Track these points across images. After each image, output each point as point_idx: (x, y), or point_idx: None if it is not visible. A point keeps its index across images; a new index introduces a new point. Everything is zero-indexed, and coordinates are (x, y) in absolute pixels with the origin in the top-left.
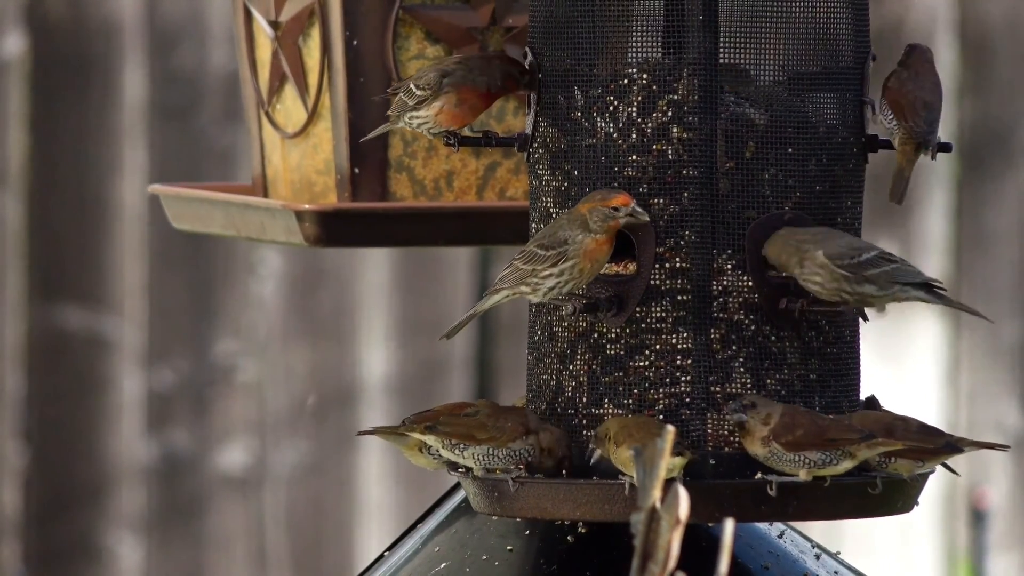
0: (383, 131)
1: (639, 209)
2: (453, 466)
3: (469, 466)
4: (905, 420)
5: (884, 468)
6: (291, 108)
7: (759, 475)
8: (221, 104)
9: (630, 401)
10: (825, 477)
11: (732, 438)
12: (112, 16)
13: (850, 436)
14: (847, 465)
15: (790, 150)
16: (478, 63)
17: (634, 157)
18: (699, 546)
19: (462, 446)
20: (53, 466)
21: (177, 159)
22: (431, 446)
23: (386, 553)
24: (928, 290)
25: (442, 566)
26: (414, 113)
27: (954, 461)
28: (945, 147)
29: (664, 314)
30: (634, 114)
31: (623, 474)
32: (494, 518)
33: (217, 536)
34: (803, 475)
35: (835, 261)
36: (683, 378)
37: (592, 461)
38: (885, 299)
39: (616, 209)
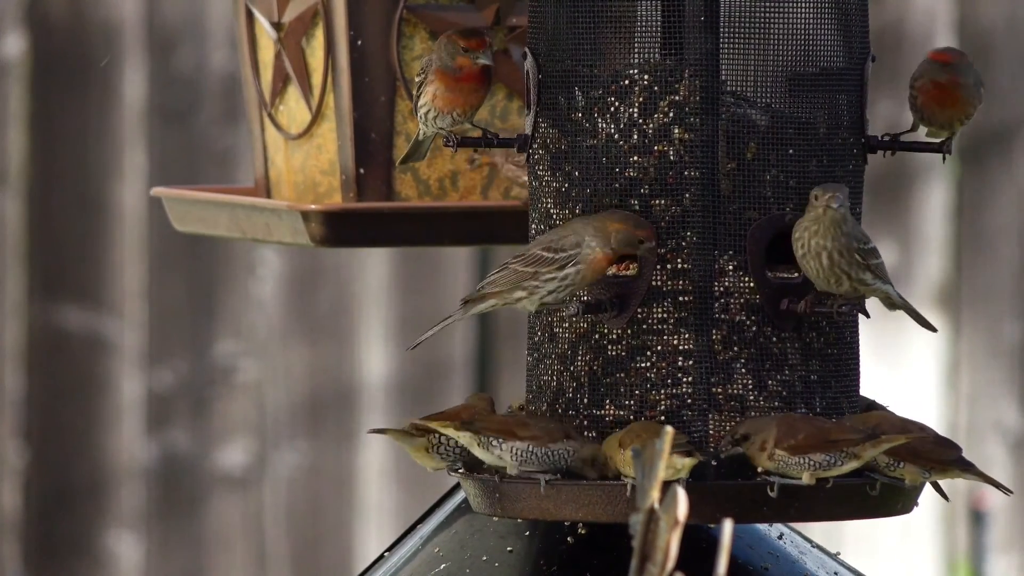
0: (424, 147)
1: (655, 246)
2: (454, 467)
3: (502, 465)
4: (923, 428)
5: (891, 471)
6: (294, 109)
7: (760, 476)
8: (221, 105)
9: (631, 402)
10: (828, 478)
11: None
12: (112, 17)
13: (852, 436)
14: (852, 465)
15: (791, 151)
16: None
17: (635, 158)
18: (699, 547)
19: (499, 440)
20: (53, 466)
21: (177, 160)
22: (439, 446)
23: (386, 554)
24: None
25: (442, 567)
26: (419, 104)
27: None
28: (942, 148)
29: (665, 315)
30: (635, 115)
31: (625, 475)
32: (494, 519)
33: (217, 536)
34: (806, 478)
35: (855, 242)
36: (684, 379)
37: None
38: (872, 291)
39: (642, 242)
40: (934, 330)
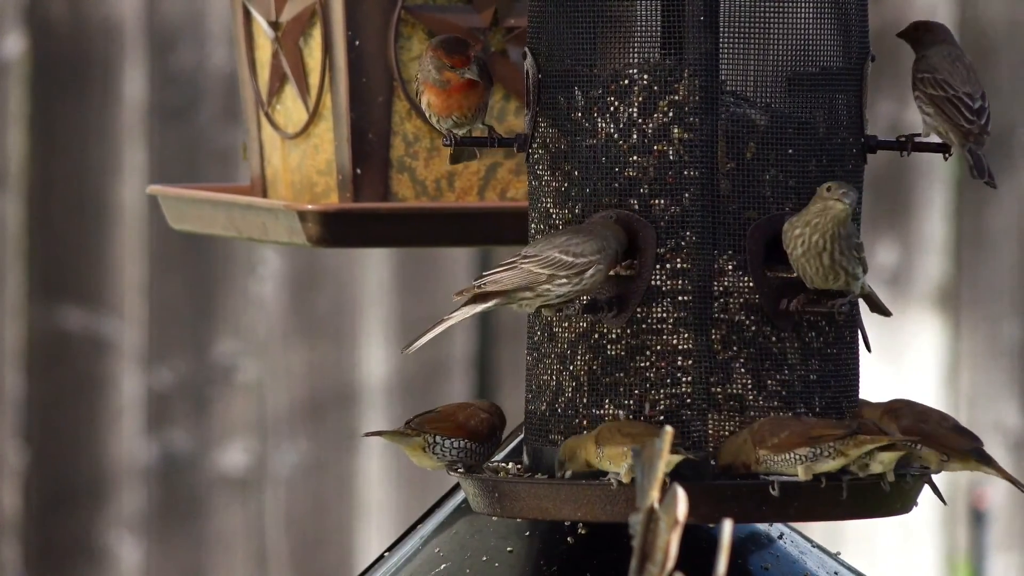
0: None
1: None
2: (452, 466)
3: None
4: (944, 417)
5: (911, 451)
6: (291, 109)
7: (760, 476)
8: (221, 104)
9: (630, 402)
10: (821, 478)
11: None
12: (112, 16)
13: (834, 432)
14: (840, 462)
15: (790, 151)
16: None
17: (635, 158)
18: (699, 547)
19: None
20: (53, 466)
21: (177, 159)
22: (435, 446)
23: (386, 554)
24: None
25: (442, 567)
26: (423, 107)
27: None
28: (944, 148)
29: (665, 315)
30: (635, 115)
31: (612, 473)
32: (494, 519)
33: (217, 536)
34: (802, 474)
35: (853, 238)
36: (684, 379)
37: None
38: (857, 284)
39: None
40: (889, 314)
